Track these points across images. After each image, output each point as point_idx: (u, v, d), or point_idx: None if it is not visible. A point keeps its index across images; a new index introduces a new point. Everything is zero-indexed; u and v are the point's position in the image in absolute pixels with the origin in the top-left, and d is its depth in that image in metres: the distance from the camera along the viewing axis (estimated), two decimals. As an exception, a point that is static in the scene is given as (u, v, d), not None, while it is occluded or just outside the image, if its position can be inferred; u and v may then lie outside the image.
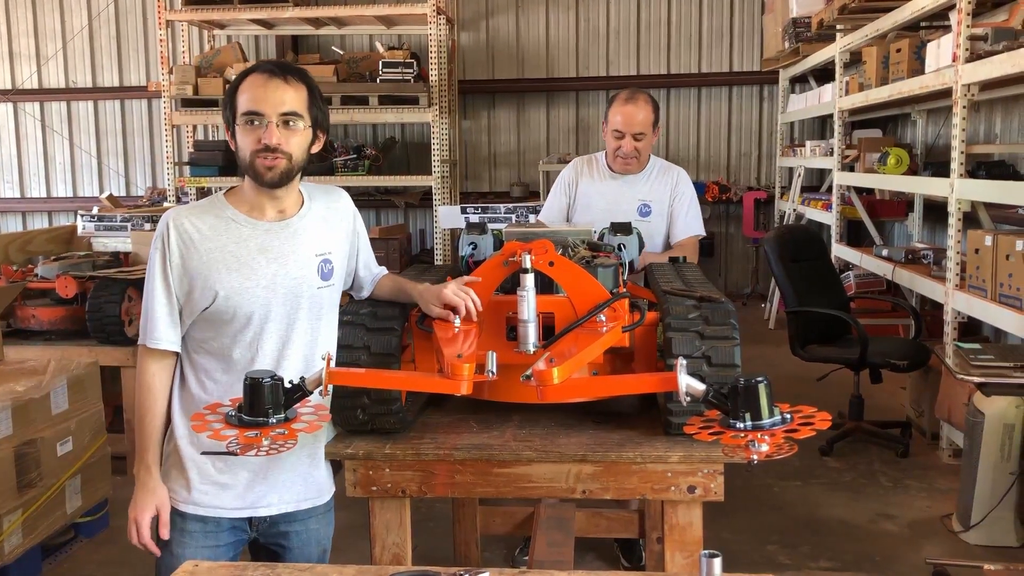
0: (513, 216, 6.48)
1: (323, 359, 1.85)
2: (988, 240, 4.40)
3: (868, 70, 6.28)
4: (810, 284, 5.30)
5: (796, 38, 7.81)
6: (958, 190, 4.75)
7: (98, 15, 10.33)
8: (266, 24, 8.93)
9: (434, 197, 8.36)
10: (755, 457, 1.64)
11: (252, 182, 2.09)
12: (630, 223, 2.90)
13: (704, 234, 3.69)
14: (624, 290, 2.34)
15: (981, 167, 5.33)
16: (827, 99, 7.53)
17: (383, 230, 9.13)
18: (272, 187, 2.07)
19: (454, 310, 2.13)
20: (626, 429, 2.21)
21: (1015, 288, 4.18)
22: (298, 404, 1.80)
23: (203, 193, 8.38)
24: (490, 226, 2.72)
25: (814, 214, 8.03)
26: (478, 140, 10.20)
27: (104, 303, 4.48)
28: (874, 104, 6.48)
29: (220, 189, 2.30)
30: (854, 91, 6.65)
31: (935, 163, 6.32)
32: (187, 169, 8.50)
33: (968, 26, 4.49)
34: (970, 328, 5.38)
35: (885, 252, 6.19)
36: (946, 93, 5.03)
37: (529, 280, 2.08)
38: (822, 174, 9.20)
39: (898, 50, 5.66)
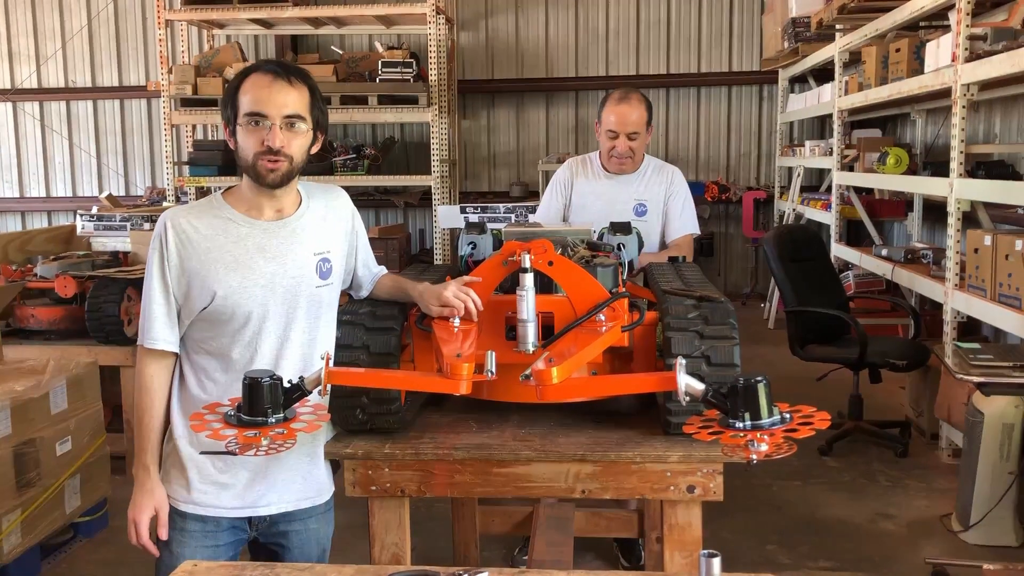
0: (512, 216, 6.47)
1: (322, 358, 1.85)
2: (987, 240, 4.40)
3: (867, 70, 6.28)
4: (809, 284, 5.30)
5: (795, 38, 7.81)
6: (957, 190, 4.75)
7: (97, 15, 10.33)
8: (265, 24, 8.92)
9: (433, 197, 8.35)
10: (754, 457, 1.64)
11: (251, 182, 2.08)
12: (629, 223, 2.91)
13: (699, 232, 3.70)
14: (623, 290, 2.34)
15: (980, 167, 5.32)
16: (826, 99, 7.53)
17: (382, 230, 9.12)
18: (272, 188, 2.08)
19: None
20: (625, 429, 2.21)
21: (1014, 288, 4.18)
22: (297, 404, 1.80)
23: (202, 193, 8.37)
24: (489, 226, 2.72)
25: (813, 214, 8.03)
26: (477, 140, 10.20)
27: (103, 303, 4.48)
28: (873, 104, 6.48)
29: (219, 189, 2.30)
30: (853, 91, 6.65)
31: (934, 163, 6.32)
32: (186, 169, 8.49)
33: (967, 26, 4.48)
34: (969, 328, 5.37)
35: (884, 252, 6.19)
36: (945, 93, 5.03)
37: (528, 280, 2.07)
38: (821, 174, 9.20)
39: (897, 50, 5.66)
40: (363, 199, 9.51)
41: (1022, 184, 4.75)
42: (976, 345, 4.02)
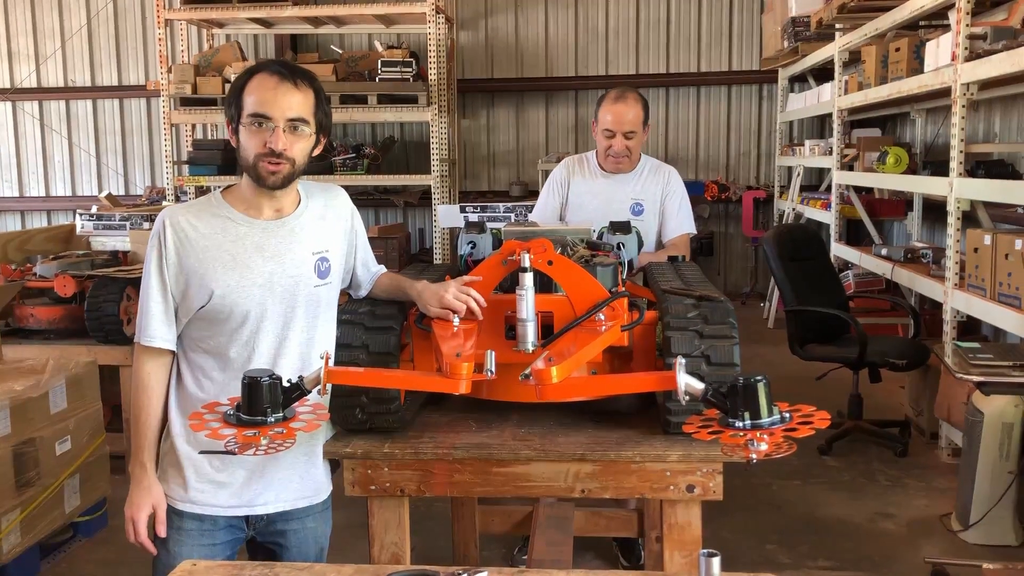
0: (512, 215, 6.47)
1: (321, 358, 1.84)
2: (987, 239, 4.40)
3: (867, 69, 6.28)
4: (809, 283, 5.30)
5: (795, 37, 7.81)
6: (957, 189, 4.75)
7: (97, 14, 10.32)
8: (265, 23, 8.92)
9: (433, 196, 8.35)
10: (754, 456, 1.64)
11: (251, 182, 2.08)
12: (629, 222, 2.91)
13: (695, 232, 3.71)
14: (623, 289, 2.34)
15: (980, 166, 5.32)
16: (826, 98, 7.53)
17: (382, 229, 9.12)
18: (273, 190, 2.07)
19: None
20: (625, 428, 2.21)
21: (1014, 287, 4.18)
22: (296, 403, 1.80)
23: (202, 192, 8.36)
24: (489, 225, 2.72)
25: (813, 213, 8.03)
26: (477, 139, 10.19)
27: (103, 302, 4.47)
28: (873, 103, 6.48)
29: (219, 188, 2.30)
30: (853, 90, 6.65)
31: (934, 162, 6.32)
32: (186, 168, 8.49)
33: (967, 25, 4.48)
34: (969, 327, 5.38)
35: (884, 251, 6.19)
36: (945, 92, 5.03)
37: (528, 279, 2.07)
38: (821, 173, 9.20)
39: (897, 49, 5.66)
40: (363, 198, 9.52)
41: (1022, 183, 4.75)
42: (976, 344, 4.03)
